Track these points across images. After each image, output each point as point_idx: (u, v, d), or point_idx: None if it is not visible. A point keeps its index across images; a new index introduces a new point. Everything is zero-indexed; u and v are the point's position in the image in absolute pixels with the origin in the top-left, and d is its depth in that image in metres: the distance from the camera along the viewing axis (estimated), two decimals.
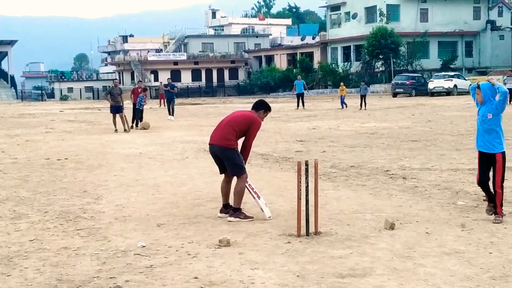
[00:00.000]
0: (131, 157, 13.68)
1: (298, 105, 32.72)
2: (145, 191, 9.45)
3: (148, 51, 79.98)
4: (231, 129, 7.35)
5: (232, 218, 7.33)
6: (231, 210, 7.45)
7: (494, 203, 7.10)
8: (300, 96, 32.89)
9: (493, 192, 7.11)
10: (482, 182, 7.16)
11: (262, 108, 7.68)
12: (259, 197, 7.50)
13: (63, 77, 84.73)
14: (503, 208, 7.12)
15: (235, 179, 7.49)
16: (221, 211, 7.64)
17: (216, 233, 6.72)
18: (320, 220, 6.80)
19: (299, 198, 6.58)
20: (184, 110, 35.83)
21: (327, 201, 8.24)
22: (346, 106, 31.73)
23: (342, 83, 34.20)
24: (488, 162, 7.10)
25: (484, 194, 7.41)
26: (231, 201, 7.56)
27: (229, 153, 7.35)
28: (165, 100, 29.34)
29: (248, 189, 7.46)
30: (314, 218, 6.63)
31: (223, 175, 7.69)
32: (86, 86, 79.45)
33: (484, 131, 7.07)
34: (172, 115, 26.74)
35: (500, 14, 67.02)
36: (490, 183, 7.18)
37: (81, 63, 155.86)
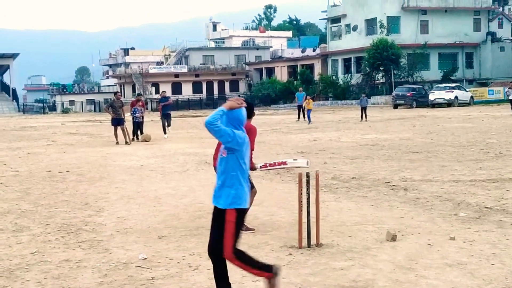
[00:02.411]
0: (132, 170, 13.69)
1: (299, 117, 32.76)
2: (146, 203, 9.45)
3: (149, 64, 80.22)
4: None
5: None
6: None
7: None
8: (301, 107, 32.96)
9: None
10: (210, 251, 4.89)
11: (252, 113, 7.71)
12: (285, 163, 7.44)
13: (64, 90, 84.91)
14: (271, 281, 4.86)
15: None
16: None
17: None
18: (322, 232, 6.80)
19: (300, 210, 6.57)
20: (185, 122, 35.86)
21: (329, 213, 8.23)
22: (310, 122, 29.75)
23: (308, 97, 32.62)
24: (219, 221, 4.84)
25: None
26: None
27: None
28: (161, 115, 24.33)
29: (272, 168, 7.47)
30: (316, 230, 6.63)
31: None
32: (87, 99, 79.61)
33: (218, 174, 4.90)
34: (166, 131, 23.55)
35: (500, 25, 67.23)
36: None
37: (83, 76, 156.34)
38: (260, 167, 7.51)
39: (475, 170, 12.02)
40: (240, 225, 4.80)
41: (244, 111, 4.92)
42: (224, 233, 4.72)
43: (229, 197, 4.75)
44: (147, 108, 25.04)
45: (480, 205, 8.55)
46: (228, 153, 4.77)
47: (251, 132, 7.45)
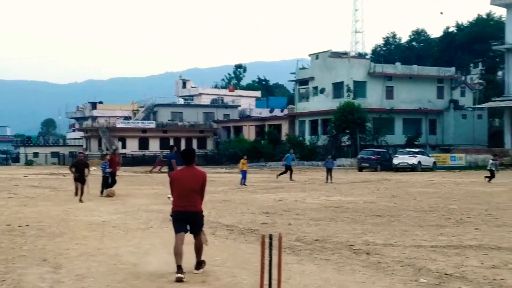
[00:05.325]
0: (94, 225, 13.47)
1: (283, 173, 33.53)
2: (107, 261, 9.28)
3: (117, 118, 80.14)
4: (197, 194, 8.22)
5: (201, 270, 8.24)
6: (199, 264, 8.24)
7: None
8: (288, 168, 33.69)
9: None
10: None
11: (195, 157, 8.57)
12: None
13: (29, 142, 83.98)
14: None
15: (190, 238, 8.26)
16: (179, 271, 7.88)
17: None
18: None
19: (262, 272, 6.54)
20: (150, 178, 35.63)
21: (291, 275, 8.19)
22: (245, 184, 27.86)
23: (244, 157, 29.90)
24: None
25: None
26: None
27: (202, 217, 8.34)
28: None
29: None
30: None
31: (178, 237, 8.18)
32: (52, 152, 78.78)
33: None
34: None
35: (462, 94, 69.26)
36: None
37: (49, 128, 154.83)
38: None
39: (436, 235, 12.15)
40: None
41: None
42: None
43: None
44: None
45: (440, 272, 8.61)
46: None
47: (205, 178, 8.31)
